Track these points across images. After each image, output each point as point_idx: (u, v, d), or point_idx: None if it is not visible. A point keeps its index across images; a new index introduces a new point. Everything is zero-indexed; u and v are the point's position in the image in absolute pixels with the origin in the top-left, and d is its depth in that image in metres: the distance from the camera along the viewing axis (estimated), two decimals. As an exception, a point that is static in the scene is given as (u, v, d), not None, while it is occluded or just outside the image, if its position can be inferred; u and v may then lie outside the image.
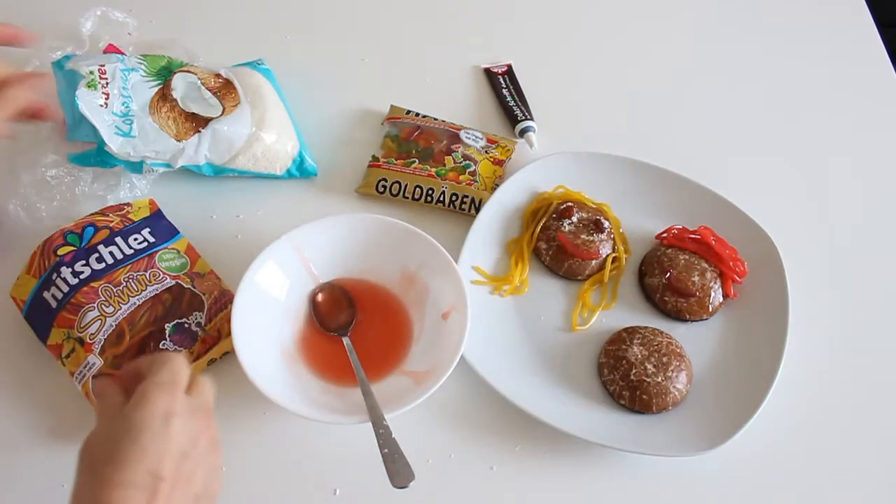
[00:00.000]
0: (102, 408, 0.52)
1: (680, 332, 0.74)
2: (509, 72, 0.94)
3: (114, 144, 0.73)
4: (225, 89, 0.81)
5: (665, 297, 0.76)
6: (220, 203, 0.81)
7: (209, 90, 0.80)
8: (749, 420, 0.67)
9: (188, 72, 0.81)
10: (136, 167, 0.76)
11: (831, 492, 0.68)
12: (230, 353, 0.70)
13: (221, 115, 0.79)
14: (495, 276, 0.77)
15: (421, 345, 0.71)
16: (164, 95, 0.78)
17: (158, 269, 0.71)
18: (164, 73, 0.79)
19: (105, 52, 0.84)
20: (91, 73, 0.74)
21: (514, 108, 0.90)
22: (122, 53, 0.83)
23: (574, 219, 0.78)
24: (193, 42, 0.88)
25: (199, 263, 0.74)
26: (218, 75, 0.82)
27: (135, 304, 0.68)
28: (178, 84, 0.79)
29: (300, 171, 0.82)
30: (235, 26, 0.97)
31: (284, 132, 0.81)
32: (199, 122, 0.77)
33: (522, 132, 0.88)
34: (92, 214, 0.73)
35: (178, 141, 0.76)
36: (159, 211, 0.76)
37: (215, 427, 0.53)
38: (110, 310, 0.68)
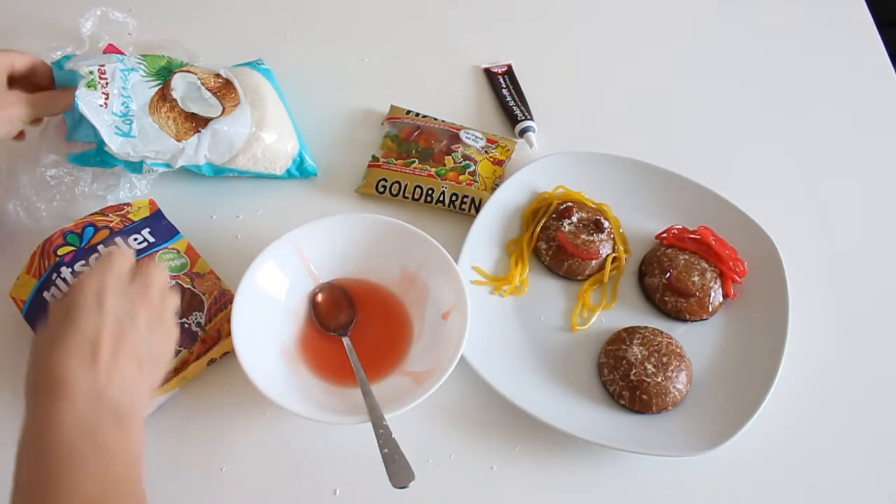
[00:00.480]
0: (52, 306, 0.56)
1: (680, 332, 0.74)
2: (509, 72, 0.94)
3: (113, 144, 0.73)
4: (225, 89, 0.81)
5: (665, 297, 0.76)
6: (220, 203, 0.81)
7: (209, 90, 0.80)
8: (749, 420, 0.67)
9: (188, 72, 0.81)
10: (136, 167, 0.75)
11: (831, 492, 0.68)
12: (230, 353, 0.70)
13: (221, 115, 0.78)
14: (495, 276, 0.77)
15: (421, 345, 0.71)
16: (163, 95, 0.78)
17: (158, 269, 0.71)
18: (164, 73, 0.79)
19: (105, 52, 0.84)
20: (91, 73, 0.74)
21: (514, 108, 0.90)
22: (122, 53, 0.83)
23: (574, 219, 0.78)
24: (193, 42, 0.88)
25: (199, 263, 0.74)
26: (218, 75, 0.82)
27: (135, 304, 0.68)
28: (178, 84, 0.79)
29: (300, 171, 0.82)
30: (235, 26, 0.97)
31: (284, 132, 0.81)
32: (198, 122, 0.77)
33: (522, 132, 0.88)
34: (92, 214, 0.73)
35: (178, 141, 0.76)
36: (159, 211, 0.76)
37: (161, 304, 0.57)
38: (110, 310, 0.67)
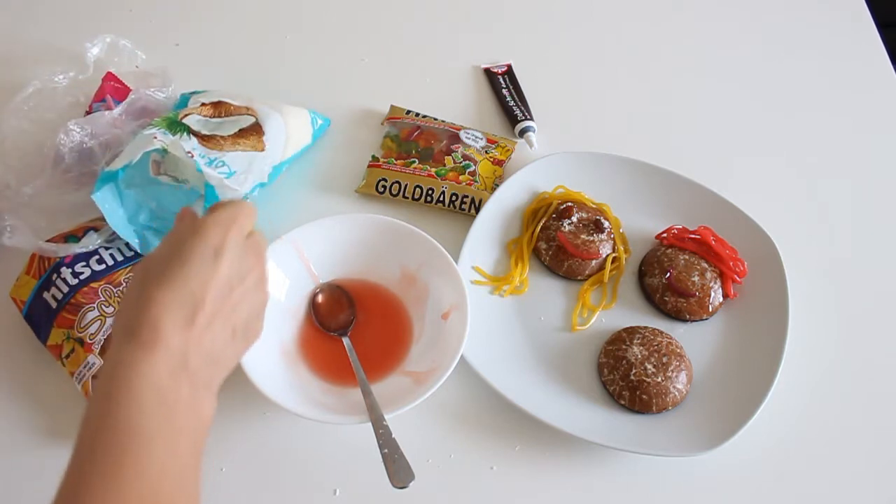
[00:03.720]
0: (172, 232, 0.53)
1: (680, 332, 0.74)
2: (509, 72, 0.94)
3: (236, 184, 0.73)
4: (221, 107, 0.80)
5: (665, 297, 0.75)
6: (220, 203, 0.81)
7: (215, 116, 0.79)
8: (749, 420, 0.67)
9: (186, 115, 0.78)
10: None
11: (831, 491, 0.68)
12: (230, 354, 0.70)
13: (247, 113, 0.79)
14: (495, 276, 0.77)
15: (421, 345, 0.71)
16: (204, 136, 0.76)
17: (158, 269, 0.71)
18: (176, 125, 0.76)
19: (103, 80, 0.82)
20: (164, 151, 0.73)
21: (514, 108, 0.90)
22: (120, 82, 0.82)
23: (574, 219, 0.78)
24: (192, 44, 0.88)
25: (199, 263, 0.73)
26: (204, 104, 0.80)
27: (135, 304, 0.68)
28: (195, 124, 0.77)
29: (321, 124, 0.84)
30: (235, 28, 0.97)
31: (289, 105, 0.83)
32: (253, 131, 0.78)
33: (522, 132, 0.88)
34: (92, 220, 0.73)
35: (261, 150, 0.77)
36: (159, 211, 0.76)
37: (264, 268, 0.55)
38: (110, 310, 0.68)
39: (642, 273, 0.78)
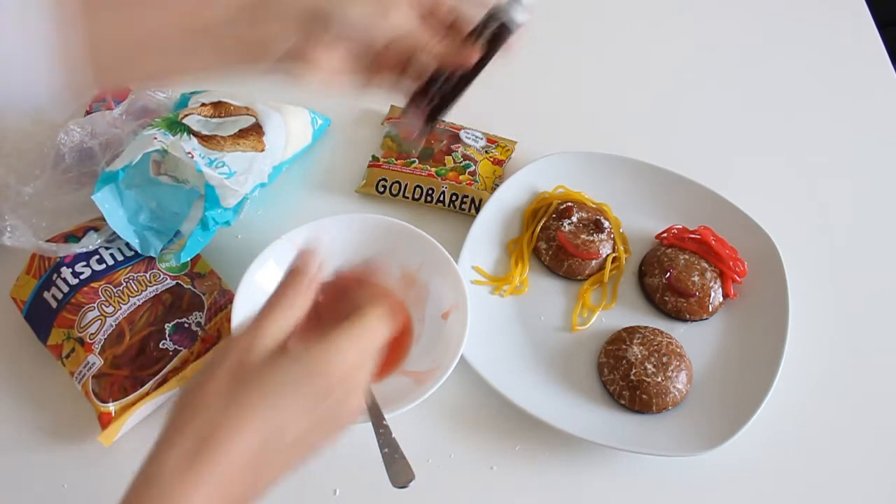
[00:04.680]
0: (238, 335, 0.46)
1: (680, 332, 0.74)
2: None
3: (237, 185, 0.73)
4: (221, 107, 0.80)
5: (665, 297, 0.75)
6: (220, 203, 0.81)
7: (215, 116, 0.79)
8: (749, 420, 0.67)
9: (186, 116, 0.78)
10: (241, 203, 0.75)
11: (831, 491, 0.68)
12: (230, 353, 0.70)
13: (247, 114, 0.79)
14: (495, 276, 0.77)
15: (421, 345, 0.71)
16: (204, 137, 0.75)
17: (159, 269, 0.71)
18: (176, 125, 0.75)
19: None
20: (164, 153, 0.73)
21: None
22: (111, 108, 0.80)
23: (574, 219, 0.78)
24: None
25: (199, 263, 0.74)
26: (204, 104, 0.80)
27: (135, 304, 0.68)
28: (195, 124, 0.76)
29: (320, 125, 0.84)
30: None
31: (292, 106, 0.83)
32: (253, 131, 0.78)
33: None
34: (92, 220, 0.73)
35: (261, 150, 0.77)
36: (159, 211, 0.76)
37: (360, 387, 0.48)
38: (110, 310, 0.68)
39: (642, 273, 0.78)
